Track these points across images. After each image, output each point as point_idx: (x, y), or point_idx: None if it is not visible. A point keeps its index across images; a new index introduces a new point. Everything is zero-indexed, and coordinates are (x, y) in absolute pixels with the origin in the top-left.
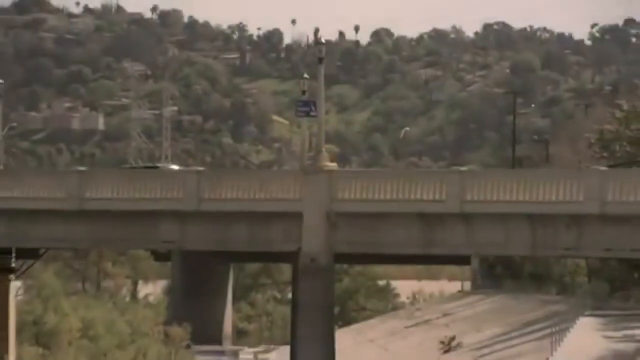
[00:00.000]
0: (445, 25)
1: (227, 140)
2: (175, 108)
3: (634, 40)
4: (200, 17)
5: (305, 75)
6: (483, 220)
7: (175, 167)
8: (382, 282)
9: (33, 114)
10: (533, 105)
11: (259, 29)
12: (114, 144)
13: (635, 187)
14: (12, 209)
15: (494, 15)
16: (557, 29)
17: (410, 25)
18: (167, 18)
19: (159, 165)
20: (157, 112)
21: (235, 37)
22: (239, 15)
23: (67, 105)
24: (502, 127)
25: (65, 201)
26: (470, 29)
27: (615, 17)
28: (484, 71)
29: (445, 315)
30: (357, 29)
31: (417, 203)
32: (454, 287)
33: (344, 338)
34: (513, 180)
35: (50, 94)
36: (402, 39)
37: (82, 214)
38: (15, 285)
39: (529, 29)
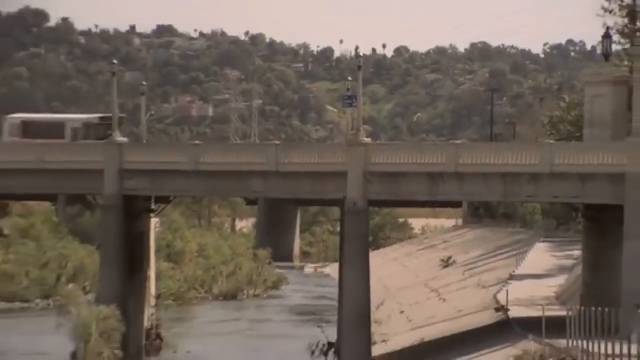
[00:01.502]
0: (444, 43)
1: (296, 123)
2: (260, 101)
3: (572, 54)
4: (278, 38)
5: (349, 78)
6: (470, 177)
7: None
8: (401, 220)
9: (165, 105)
10: (504, 99)
11: (318, 46)
12: (220, 126)
13: (573, 154)
14: (152, 170)
15: (478, 37)
16: (521, 46)
17: (420, 43)
18: (255, 39)
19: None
20: (248, 103)
21: (301, 52)
22: (303, 37)
23: (188, 99)
24: (484, 113)
25: (187, 164)
26: (462, 46)
27: (560, 38)
28: (471, 75)
29: (444, 242)
30: (384, 46)
31: (425, 165)
32: (451, 222)
33: (375, 258)
34: (491, 149)
35: (177, 92)
36: (415, 53)
37: (198, 173)
38: (154, 221)
39: (501, 46)
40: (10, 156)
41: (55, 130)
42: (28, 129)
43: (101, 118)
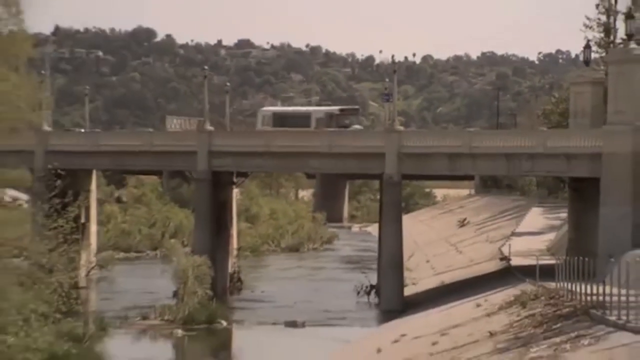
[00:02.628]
0: (460, 52)
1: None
2: (317, 97)
3: (560, 60)
4: (331, 49)
5: (386, 80)
6: (481, 157)
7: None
8: (427, 189)
9: (244, 101)
10: (508, 95)
11: (362, 55)
12: None
13: (561, 138)
14: (234, 151)
15: (487, 47)
16: (520, 54)
17: (442, 52)
18: (314, 49)
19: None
20: (308, 99)
21: (349, 59)
22: (351, 48)
23: (262, 96)
24: (491, 107)
25: (261, 146)
26: (474, 54)
27: (551, 48)
28: (481, 77)
29: (460, 207)
30: (414, 54)
31: (446, 147)
32: (465, 192)
33: (406, 220)
34: (497, 135)
35: (253, 91)
36: (437, 60)
37: (270, 153)
38: (235, 191)
39: (505, 54)
40: (123, 140)
41: (302, 121)
42: (278, 120)
43: (341, 109)
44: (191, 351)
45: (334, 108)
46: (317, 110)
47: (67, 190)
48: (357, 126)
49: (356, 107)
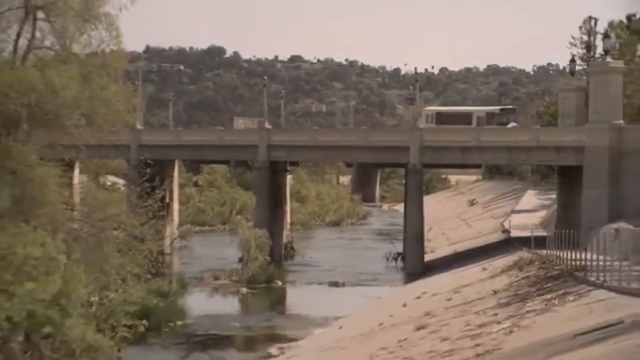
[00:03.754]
0: (470, 64)
1: (377, 115)
2: (354, 102)
3: (551, 71)
4: (365, 62)
5: (410, 87)
6: (487, 149)
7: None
8: (443, 176)
9: (295, 105)
10: (508, 100)
11: (390, 67)
12: (329, 118)
13: (551, 134)
14: (288, 145)
15: (491, 60)
16: (518, 66)
17: (455, 65)
18: (352, 63)
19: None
20: (347, 103)
21: (380, 70)
22: (382, 61)
23: (309, 101)
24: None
25: (309, 141)
26: (481, 66)
27: (543, 61)
28: (487, 85)
29: (470, 189)
30: (432, 67)
31: (458, 142)
32: (474, 177)
33: (426, 200)
34: (500, 132)
35: (302, 96)
36: (451, 71)
37: (317, 147)
38: (289, 177)
39: (506, 66)
40: (199, 136)
41: (463, 119)
42: (441, 118)
43: (501, 109)
44: (253, 305)
45: (495, 108)
46: (479, 109)
47: (155, 177)
48: (513, 124)
49: (513, 107)
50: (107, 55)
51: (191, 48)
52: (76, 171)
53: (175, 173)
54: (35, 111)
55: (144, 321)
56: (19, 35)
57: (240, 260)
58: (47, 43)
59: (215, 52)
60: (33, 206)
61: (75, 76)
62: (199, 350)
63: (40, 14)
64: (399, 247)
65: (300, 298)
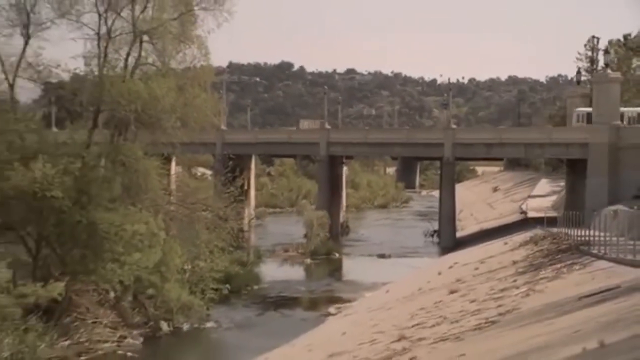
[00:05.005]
0: (494, 75)
1: (417, 117)
2: (398, 107)
3: (560, 81)
4: (408, 74)
5: (445, 94)
6: (508, 145)
7: None
8: (471, 167)
9: (350, 109)
10: (525, 105)
11: (428, 77)
12: (377, 120)
13: (561, 132)
14: (344, 142)
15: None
16: (533, 77)
17: (481, 76)
18: (397, 74)
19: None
20: (392, 108)
21: (420, 80)
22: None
23: (361, 106)
24: (515, 112)
25: (361, 139)
26: (503, 77)
27: (554, 72)
28: (508, 92)
29: (493, 179)
30: (462, 77)
31: (484, 139)
32: (497, 169)
33: (457, 188)
34: (518, 131)
35: (356, 102)
36: (479, 81)
37: (367, 143)
38: (344, 168)
39: (524, 77)
40: (272, 135)
41: None
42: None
43: None
44: (315, 273)
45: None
46: (630, 110)
47: (236, 168)
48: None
49: None
50: (198, 70)
51: (265, 63)
52: (173, 164)
53: (252, 165)
54: (140, 116)
55: (227, 285)
56: (128, 55)
57: (305, 236)
58: (150, 60)
59: (284, 67)
60: (139, 192)
61: (172, 87)
62: (271, 309)
63: (145, 37)
64: (435, 226)
65: (354, 267)
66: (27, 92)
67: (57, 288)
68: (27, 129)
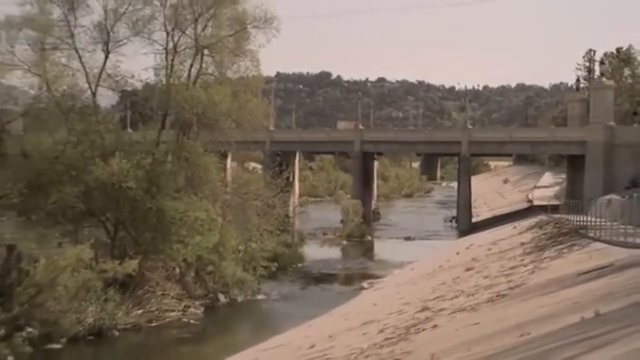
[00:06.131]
0: (505, 83)
1: (438, 119)
2: (422, 110)
3: (561, 88)
4: (430, 81)
5: (462, 99)
6: (516, 142)
7: None
8: (485, 162)
9: (379, 112)
10: (532, 108)
11: (449, 84)
12: (404, 122)
13: (563, 132)
14: (375, 140)
15: (521, 80)
16: (539, 84)
17: (494, 83)
18: (421, 82)
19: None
20: (416, 111)
21: (441, 87)
22: (442, 80)
23: (390, 109)
24: (523, 115)
25: (391, 138)
26: (513, 84)
27: (556, 80)
28: (518, 98)
29: (503, 172)
30: (478, 84)
31: (496, 137)
32: (507, 163)
33: (473, 179)
34: (526, 130)
35: (385, 106)
36: (492, 87)
37: (395, 141)
38: (375, 163)
39: (532, 84)
40: (313, 135)
41: None
42: None
43: None
44: (350, 253)
45: None
46: None
47: (282, 163)
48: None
49: None
50: (250, 79)
51: (307, 72)
52: (229, 159)
53: (297, 160)
54: (201, 118)
55: (275, 263)
56: (191, 66)
57: (341, 221)
58: (210, 71)
59: (324, 76)
60: (200, 183)
61: (228, 94)
62: (313, 284)
63: (206, 52)
64: (454, 212)
65: (384, 248)
66: (106, 99)
67: (131, 265)
68: (107, 130)
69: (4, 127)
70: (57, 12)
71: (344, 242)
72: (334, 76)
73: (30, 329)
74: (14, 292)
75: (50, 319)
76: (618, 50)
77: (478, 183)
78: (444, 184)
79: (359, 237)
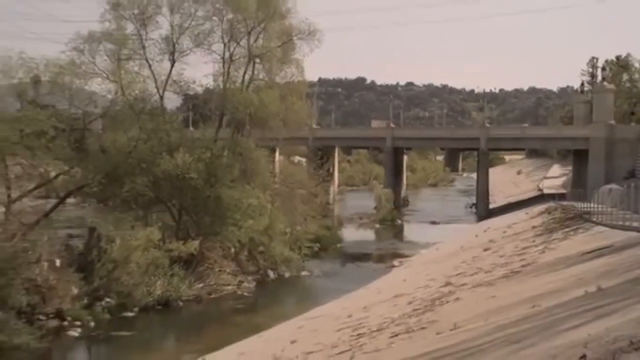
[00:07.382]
0: (518, 86)
1: (459, 119)
2: (445, 110)
3: (568, 90)
4: (452, 85)
5: (480, 100)
6: (528, 138)
7: None
8: (501, 156)
9: (408, 112)
10: (542, 109)
11: (469, 87)
12: (429, 121)
13: (570, 130)
14: (405, 137)
15: (532, 84)
16: (547, 87)
17: (508, 86)
18: (444, 86)
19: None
20: (440, 112)
21: (462, 90)
22: (463, 84)
23: (417, 110)
24: (534, 114)
25: (419, 134)
26: (525, 87)
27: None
28: (528, 99)
29: (517, 164)
30: (495, 88)
31: (511, 134)
32: (520, 157)
33: (490, 171)
34: (537, 128)
35: (413, 107)
36: (507, 90)
37: (422, 138)
38: (405, 157)
39: (541, 87)
40: (350, 132)
41: None
42: None
43: None
44: (383, 235)
45: None
46: None
47: (324, 156)
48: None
49: None
50: (296, 84)
51: (345, 78)
52: (277, 153)
53: (336, 154)
54: (253, 118)
55: (317, 244)
56: (244, 73)
57: (375, 207)
58: (261, 77)
59: (360, 80)
60: (252, 175)
61: (276, 97)
62: (350, 262)
63: (257, 60)
64: (473, 200)
65: (412, 231)
66: (172, 101)
67: (193, 245)
68: (172, 128)
69: (86, 126)
70: (130, 28)
71: (377, 225)
72: (368, 81)
73: (108, 299)
74: (95, 268)
75: (124, 290)
76: (617, 58)
77: (495, 174)
78: (464, 174)
79: (390, 221)
